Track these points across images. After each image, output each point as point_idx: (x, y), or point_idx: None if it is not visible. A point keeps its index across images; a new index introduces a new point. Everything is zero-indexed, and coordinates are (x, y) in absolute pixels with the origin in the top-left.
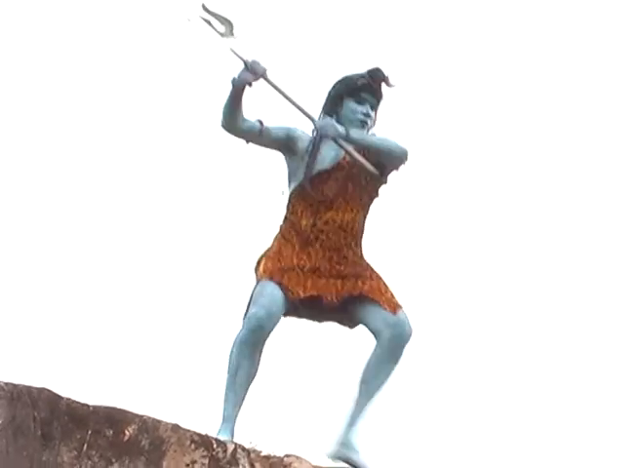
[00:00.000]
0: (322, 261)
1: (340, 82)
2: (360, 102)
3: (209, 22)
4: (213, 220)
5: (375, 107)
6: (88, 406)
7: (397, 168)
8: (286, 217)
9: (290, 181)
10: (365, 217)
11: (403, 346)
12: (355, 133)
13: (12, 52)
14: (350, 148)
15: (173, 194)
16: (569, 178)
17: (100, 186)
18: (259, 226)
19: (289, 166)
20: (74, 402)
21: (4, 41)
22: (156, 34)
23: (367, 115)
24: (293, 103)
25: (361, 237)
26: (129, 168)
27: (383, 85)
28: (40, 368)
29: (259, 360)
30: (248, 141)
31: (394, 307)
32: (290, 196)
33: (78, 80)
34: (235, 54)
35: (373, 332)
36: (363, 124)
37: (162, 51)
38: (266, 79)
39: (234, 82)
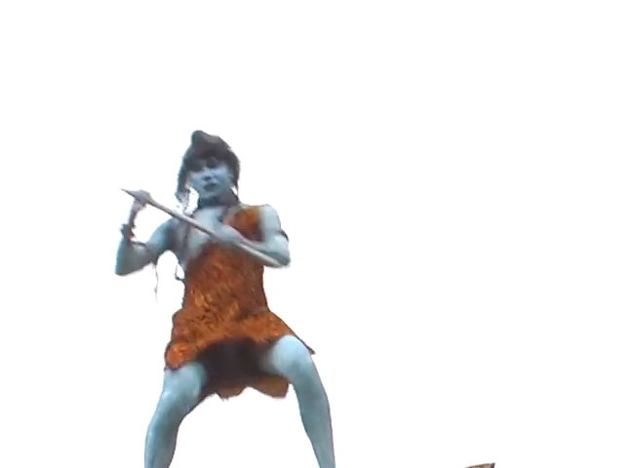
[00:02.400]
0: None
1: (180, 163)
2: (198, 170)
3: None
4: None
5: (216, 163)
6: None
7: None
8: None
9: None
10: (250, 274)
11: (312, 383)
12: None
13: None
14: (248, 248)
15: None
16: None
17: None
18: None
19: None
20: None
21: None
22: None
23: (208, 178)
24: (184, 220)
25: (254, 290)
26: None
27: (209, 141)
28: None
29: (175, 443)
30: (145, 265)
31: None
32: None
33: None
34: (125, 191)
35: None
36: (211, 187)
37: None
38: (152, 202)
39: (122, 228)
